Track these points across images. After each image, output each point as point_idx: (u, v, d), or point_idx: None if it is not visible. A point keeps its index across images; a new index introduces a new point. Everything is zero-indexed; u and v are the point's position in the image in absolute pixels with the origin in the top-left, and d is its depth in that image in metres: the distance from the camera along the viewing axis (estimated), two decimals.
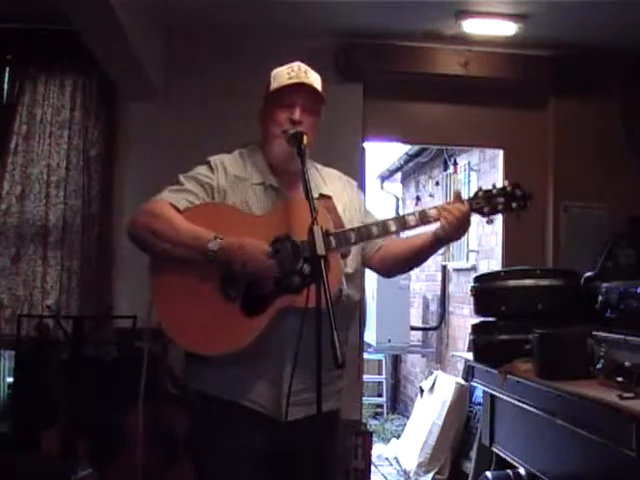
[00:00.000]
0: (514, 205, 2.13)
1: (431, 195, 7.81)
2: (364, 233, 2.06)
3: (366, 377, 7.31)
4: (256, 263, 1.93)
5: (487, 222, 2.15)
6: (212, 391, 2.07)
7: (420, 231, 2.18)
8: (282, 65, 2.17)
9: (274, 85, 2.12)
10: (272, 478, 2.08)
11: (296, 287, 1.95)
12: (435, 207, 2.12)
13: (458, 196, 2.13)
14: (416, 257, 2.24)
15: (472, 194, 2.15)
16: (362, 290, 2.29)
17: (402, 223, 2.09)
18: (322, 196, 2.16)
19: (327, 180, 2.24)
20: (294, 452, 2.04)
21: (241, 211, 2.07)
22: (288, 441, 2.03)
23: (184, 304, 2.01)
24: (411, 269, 2.42)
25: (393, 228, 2.08)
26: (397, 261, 2.25)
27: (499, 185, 2.17)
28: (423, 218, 2.09)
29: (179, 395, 3.82)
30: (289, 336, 1.93)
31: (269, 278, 1.95)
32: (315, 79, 2.14)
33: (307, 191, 1.92)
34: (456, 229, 2.09)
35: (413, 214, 2.11)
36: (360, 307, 2.90)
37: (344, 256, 2.10)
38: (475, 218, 2.16)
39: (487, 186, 2.17)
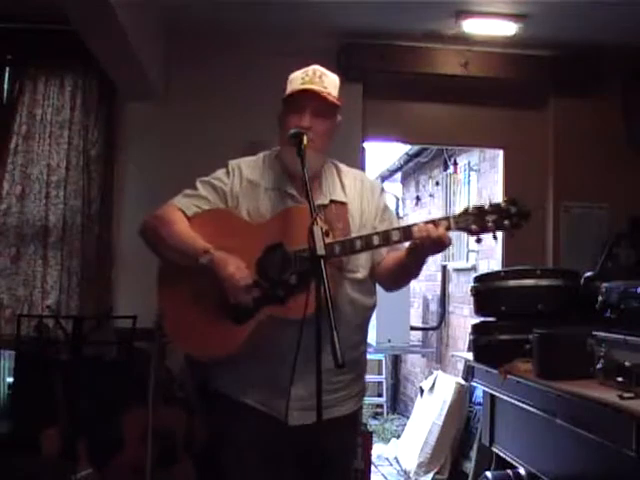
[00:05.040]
0: (506, 223, 1.98)
1: (431, 195, 7.80)
2: (347, 246, 2.01)
3: (366, 377, 7.28)
4: (231, 291, 1.98)
5: (476, 241, 2.03)
6: (230, 393, 2.12)
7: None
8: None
9: (288, 90, 2.12)
10: (282, 478, 2.10)
11: (281, 298, 1.97)
12: (417, 224, 2.01)
13: (441, 218, 2.01)
14: (403, 270, 2.15)
15: (461, 210, 2.02)
16: (373, 295, 2.24)
17: (384, 238, 2.01)
18: (333, 202, 2.15)
19: (346, 184, 2.21)
20: (309, 454, 2.03)
21: (244, 219, 2.10)
22: (302, 443, 2.03)
23: (185, 309, 2.06)
24: (402, 283, 2.30)
25: (375, 242, 2.01)
26: (390, 274, 2.20)
27: (497, 200, 2.04)
28: (405, 235, 2.00)
29: (182, 396, 3.82)
30: (290, 343, 1.92)
31: (243, 303, 1.99)
32: (330, 82, 2.12)
33: (307, 192, 1.91)
34: (427, 249, 2.00)
35: (397, 229, 2.03)
36: None
37: (339, 267, 2.06)
38: None
39: (497, 196, 2.09)
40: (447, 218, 2.00)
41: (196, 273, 2.03)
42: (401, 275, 2.20)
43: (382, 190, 2.31)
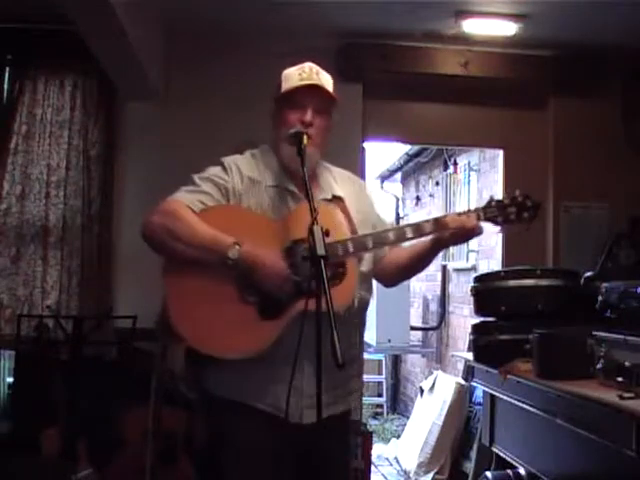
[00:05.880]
0: (525, 215, 2.14)
1: (431, 195, 7.80)
2: (381, 238, 2.07)
3: (366, 377, 7.31)
4: (272, 284, 1.94)
5: (499, 232, 2.18)
6: (229, 395, 2.07)
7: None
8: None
9: (285, 86, 2.11)
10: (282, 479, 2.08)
11: (314, 291, 1.90)
12: (449, 215, 2.15)
13: (471, 211, 2.17)
14: (419, 262, 2.24)
15: (485, 203, 2.16)
16: (372, 290, 2.28)
17: (417, 230, 2.10)
18: (335, 198, 2.17)
19: (339, 181, 2.23)
20: (309, 453, 2.04)
21: (257, 214, 2.06)
22: (304, 442, 2.02)
23: (200, 307, 1.99)
24: (411, 276, 2.42)
25: (409, 235, 2.09)
26: (399, 269, 2.25)
27: (509, 195, 2.18)
28: (438, 226, 2.10)
29: (182, 396, 3.82)
30: (302, 338, 1.89)
31: (284, 295, 1.96)
32: (326, 80, 2.13)
33: (307, 191, 1.91)
34: (458, 239, 2.14)
35: (429, 221, 2.12)
36: None
37: (359, 260, 2.10)
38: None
39: (498, 196, 2.21)
40: (476, 210, 2.15)
41: (209, 267, 1.96)
42: (413, 268, 2.28)
43: (368, 188, 2.42)
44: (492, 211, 2.13)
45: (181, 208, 2.01)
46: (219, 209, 2.06)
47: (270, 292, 1.95)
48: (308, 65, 2.13)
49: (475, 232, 2.11)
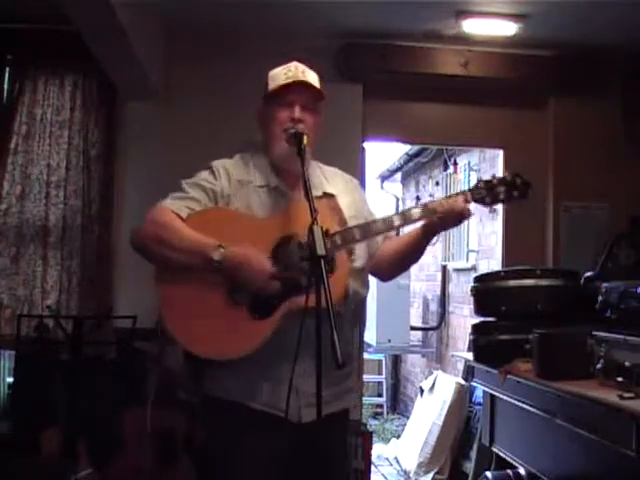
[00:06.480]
0: (515, 194, 2.15)
1: (431, 195, 7.80)
2: (368, 229, 2.07)
3: (366, 377, 7.31)
4: (257, 283, 1.94)
5: (490, 211, 2.18)
6: (227, 395, 2.07)
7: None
8: (281, 65, 2.18)
9: (272, 85, 2.13)
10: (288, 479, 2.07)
11: (304, 287, 1.92)
12: (436, 201, 2.14)
13: (458, 193, 2.16)
14: (412, 252, 2.23)
15: (473, 184, 2.18)
16: (368, 286, 2.29)
17: (405, 217, 2.10)
18: (326, 195, 2.17)
19: (330, 179, 2.24)
20: (309, 452, 2.03)
21: (245, 215, 2.07)
22: (303, 441, 2.01)
23: (192, 311, 2.00)
24: (407, 268, 2.40)
25: (397, 222, 2.09)
26: (393, 261, 2.25)
27: (499, 176, 2.19)
28: (427, 212, 2.10)
29: (182, 395, 3.82)
30: (301, 337, 1.89)
31: (271, 293, 1.96)
32: (312, 78, 2.14)
33: (307, 191, 1.92)
34: (449, 223, 2.13)
35: (417, 207, 2.13)
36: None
37: (350, 253, 2.10)
38: (475, 217, 2.16)
39: (487, 177, 2.21)
40: (463, 192, 2.14)
41: (197, 275, 1.98)
42: (407, 258, 2.26)
43: (359, 184, 2.39)
44: (480, 192, 2.13)
45: (167, 215, 2.03)
46: (207, 212, 2.07)
47: (257, 291, 1.96)
48: (294, 64, 2.15)
49: (464, 215, 2.10)
